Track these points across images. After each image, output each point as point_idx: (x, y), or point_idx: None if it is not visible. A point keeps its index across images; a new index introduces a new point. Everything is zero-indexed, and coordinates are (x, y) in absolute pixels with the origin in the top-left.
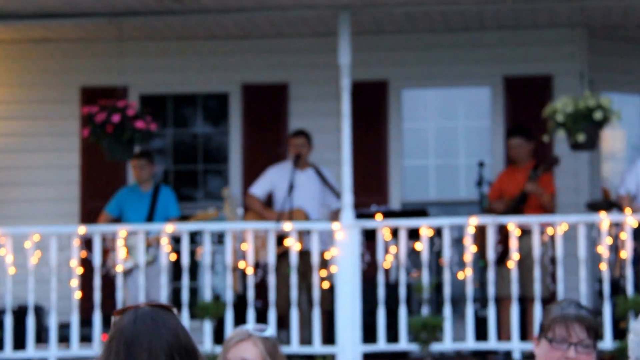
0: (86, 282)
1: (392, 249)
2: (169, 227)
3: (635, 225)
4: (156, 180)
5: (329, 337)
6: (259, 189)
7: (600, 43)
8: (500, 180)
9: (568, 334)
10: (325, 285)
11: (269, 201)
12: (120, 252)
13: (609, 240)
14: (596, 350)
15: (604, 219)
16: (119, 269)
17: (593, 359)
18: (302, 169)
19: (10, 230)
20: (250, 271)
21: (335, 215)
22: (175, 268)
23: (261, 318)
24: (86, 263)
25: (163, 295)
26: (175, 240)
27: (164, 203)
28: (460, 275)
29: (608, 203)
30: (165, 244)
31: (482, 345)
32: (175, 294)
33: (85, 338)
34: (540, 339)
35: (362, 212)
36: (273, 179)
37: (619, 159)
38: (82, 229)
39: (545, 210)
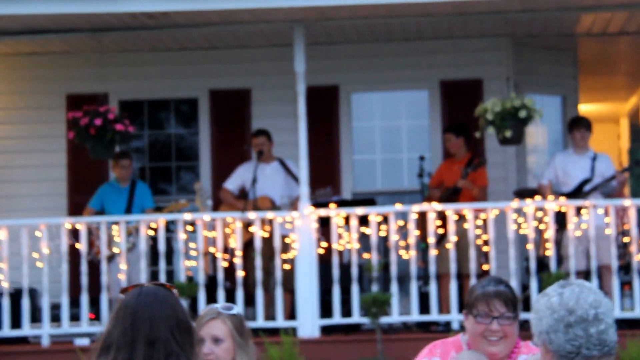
0: (74, 268)
1: (345, 234)
2: (148, 217)
3: (556, 210)
4: (133, 176)
5: (292, 313)
6: (231, 184)
7: (524, 50)
8: (439, 170)
9: (489, 310)
10: (287, 266)
11: (243, 195)
12: (104, 241)
13: (534, 223)
14: (518, 320)
15: (530, 204)
16: (103, 256)
17: (515, 328)
18: (267, 162)
19: (6, 222)
20: (219, 255)
21: (296, 202)
22: (153, 254)
23: (230, 297)
24: (73, 251)
25: (142, 279)
26: (152, 229)
27: (140, 196)
28: (405, 256)
29: (532, 191)
30: (143, 233)
31: (425, 318)
32: (154, 277)
33: (74, 317)
34: (468, 315)
35: (318, 201)
36: (242, 175)
37: (541, 152)
38: (70, 221)
39: (477, 200)
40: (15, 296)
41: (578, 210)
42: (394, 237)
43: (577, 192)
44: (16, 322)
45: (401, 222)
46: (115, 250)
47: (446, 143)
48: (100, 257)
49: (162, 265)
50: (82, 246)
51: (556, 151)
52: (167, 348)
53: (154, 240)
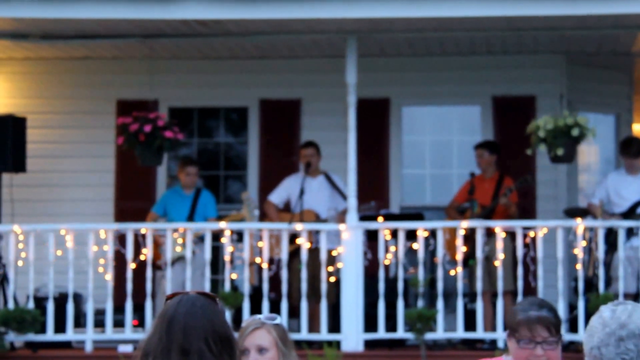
0: (119, 274)
1: (392, 248)
2: (194, 226)
3: (607, 230)
4: (198, 185)
5: (333, 326)
6: (276, 197)
7: (578, 68)
8: (465, 188)
9: (532, 335)
10: (332, 279)
11: (287, 208)
12: (150, 247)
13: (583, 243)
14: (561, 343)
15: (580, 224)
16: (149, 262)
17: (559, 351)
18: (313, 176)
19: (53, 226)
20: (265, 266)
21: (342, 215)
22: (211, 263)
23: (274, 308)
24: (119, 256)
25: (188, 287)
26: (200, 238)
27: (203, 205)
28: (452, 272)
29: (583, 210)
30: (189, 241)
31: (470, 335)
32: (213, 285)
33: (118, 323)
34: (510, 336)
35: (365, 214)
36: (288, 188)
37: (593, 171)
38: (116, 226)
39: (510, 219)
40: (60, 300)
41: (629, 231)
42: (441, 253)
43: (630, 214)
44: (60, 327)
45: (449, 238)
46: (175, 256)
47: (478, 158)
48: (160, 263)
49: (207, 273)
50: (127, 252)
51: (609, 171)
52: (202, 358)
53: (215, 249)
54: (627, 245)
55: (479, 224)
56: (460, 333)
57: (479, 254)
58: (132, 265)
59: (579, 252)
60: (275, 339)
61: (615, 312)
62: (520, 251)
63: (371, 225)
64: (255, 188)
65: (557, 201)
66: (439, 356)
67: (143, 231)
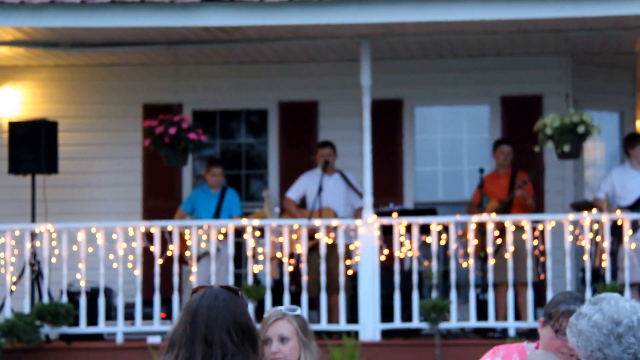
0: (148, 269)
1: (406, 242)
2: (217, 223)
3: (613, 222)
4: (223, 184)
5: (351, 317)
6: (293, 194)
7: (583, 68)
8: (484, 184)
9: None
10: (349, 272)
11: (302, 203)
12: (176, 244)
13: (590, 235)
14: None
15: (586, 217)
16: (175, 258)
17: None
18: (329, 174)
19: (84, 224)
20: (286, 260)
21: (358, 213)
22: (237, 258)
23: (295, 300)
24: (147, 252)
25: (212, 281)
26: (222, 234)
27: (229, 203)
28: (464, 264)
29: (589, 204)
30: (213, 237)
31: (482, 324)
32: (237, 279)
33: (147, 316)
34: (546, 324)
35: (380, 210)
36: (305, 184)
37: (599, 166)
38: (144, 224)
39: (528, 210)
40: (92, 295)
41: (634, 223)
42: (453, 246)
43: (637, 206)
44: (92, 320)
45: (461, 232)
46: (202, 252)
47: (504, 154)
48: (186, 258)
49: (231, 268)
50: (155, 248)
51: (613, 165)
52: (224, 348)
53: (238, 244)
54: (634, 237)
55: (490, 219)
56: (473, 322)
57: (490, 247)
58: (159, 261)
59: (585, 244)
60: (296, 329)
61: (603, 311)
62: (529, 244)
63: (386, 220)
64: (276, 186)
65: (564, 195)
66: (452, 344)
67: (170, 228)
